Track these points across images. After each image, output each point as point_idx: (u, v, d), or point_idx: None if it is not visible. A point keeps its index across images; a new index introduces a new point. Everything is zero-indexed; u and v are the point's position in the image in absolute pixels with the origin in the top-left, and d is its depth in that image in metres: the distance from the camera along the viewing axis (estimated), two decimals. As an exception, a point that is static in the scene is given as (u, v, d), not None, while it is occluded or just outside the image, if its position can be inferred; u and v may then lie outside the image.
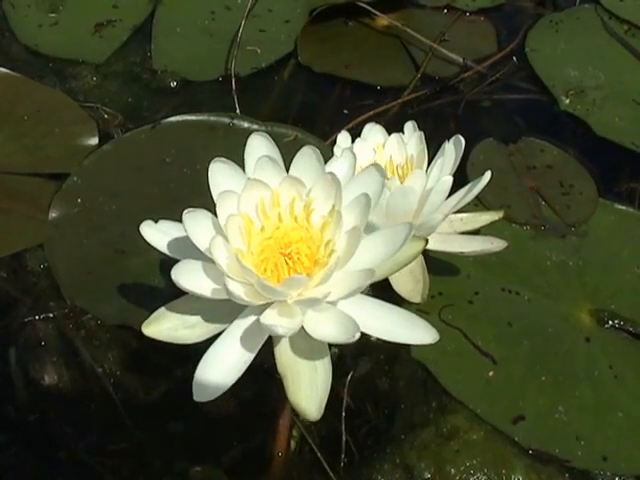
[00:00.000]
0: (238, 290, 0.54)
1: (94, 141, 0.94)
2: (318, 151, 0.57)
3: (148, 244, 0.59)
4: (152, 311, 0.59)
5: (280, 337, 0.55)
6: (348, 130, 0.78)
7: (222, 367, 0.53)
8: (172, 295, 0.58)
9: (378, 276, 0.56)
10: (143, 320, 0.59)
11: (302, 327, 0.53)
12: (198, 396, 0.53)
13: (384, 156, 0.76)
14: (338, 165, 0.60)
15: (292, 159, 0.59)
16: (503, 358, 0.74)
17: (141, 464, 0.67)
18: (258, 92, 1.05)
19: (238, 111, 0.98)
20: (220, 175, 0.58)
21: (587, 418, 0.70)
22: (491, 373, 0.73)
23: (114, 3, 1.16)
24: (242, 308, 0.56)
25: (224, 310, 0.56)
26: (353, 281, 0.54)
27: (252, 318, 0.56)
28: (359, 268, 0.54)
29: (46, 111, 0.97)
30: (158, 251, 0.59)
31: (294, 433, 0.68)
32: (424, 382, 0.73)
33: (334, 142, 0.77)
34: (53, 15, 1.14)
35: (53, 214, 0.84)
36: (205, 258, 0.55)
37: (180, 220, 0.55)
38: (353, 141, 0.77)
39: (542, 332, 0.77)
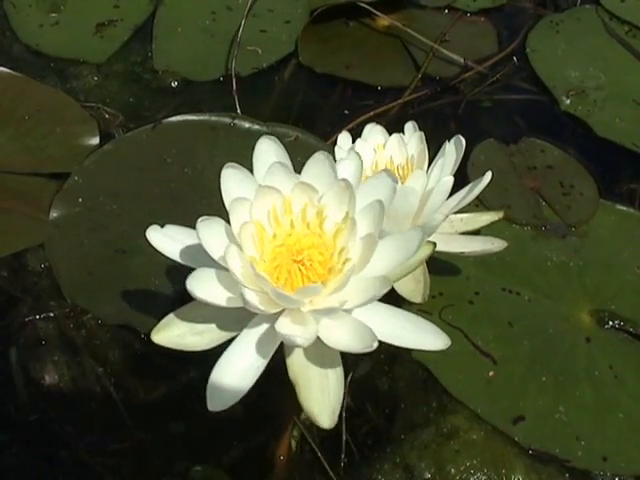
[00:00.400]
0: (253, 299, 0.53)
1: (95, 141, 0.94)
2: (330, 157, 0.57)
3: (150, 245, 0.59)
4: (153, 311, 0.59)
5: (298, 347, 0.54)
6: (349, 130, 0.78)
7: (236, 376, 0.53)
8: (172, 295, 0.58)
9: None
10: (144, 320, 0.59)
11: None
12: (212, 405, 0.52)
13: (384, 156, 0.76)
14: (344, 168, 0.59)
15: (292, 159, 0.59)
16: (503, 358, 0.74)
17: (141, 464, 0.67)
18: (259, 92, 1.05)
19: (239, 111, 0.99)
20: (232, 181, 0.57)
21: (587, 418, 0.71)
22: (491, 373, 0.73)
23: (115, 3, 1.16)
24: (251, 315, 0.55)
25: (233, 317, 0.56)
26: (368, 289, 0.53)
27: (264, 325, 0.55)
28: (372, 275, 0.54)
29: (47, 111, 0.97)
30: (163, 255, 0.58)
31: (294, 433, 0.68)
32: (424, 382, 0.73)
33: (335, 142, 0.77)
34: (54, 15, 1.14)
35: (54, 214, 0.84)
36: (217, 266, 0.55)
37: (183, 223, 0.55)
38: (354, 141, 0.77)
39: (542, 332, 0.77)
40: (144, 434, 0.68)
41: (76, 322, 0.76)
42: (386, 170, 0.58)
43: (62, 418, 0.69)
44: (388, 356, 0.74)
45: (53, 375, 0.72)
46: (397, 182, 0.57)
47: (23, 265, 0.81)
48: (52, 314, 0.76)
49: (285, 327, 0.53)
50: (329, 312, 0.53)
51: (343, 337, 0.53)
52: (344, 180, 0.55)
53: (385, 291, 0.52)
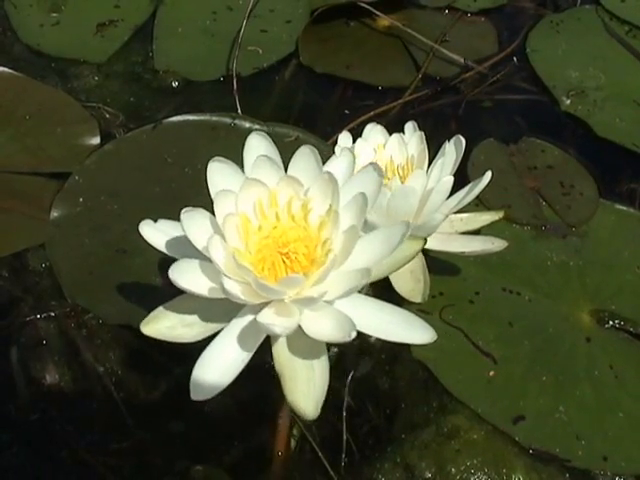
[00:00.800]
0: (235, 289, 0.54)
1: (96, 141, 0.94)
2: (316, 151, 0.57)
3: (148, 243, 0.59)
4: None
5: (278, 336, 0.55)
6: (349, 130, 0.78)
7: (219, 366, 0.53)
8: (173, 294, 0.58)
9: (376, 276, 0.56)
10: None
11: (299, 326, 0.53)
12: (195, 394, 0.53)
13: (385, 156, 0.76)
14: (336, 164, 0.60)
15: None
16: (504, 358, 0.74)
17: (142, 463, 0.67)
18: (259, 92, 1.05)
19: (239, 111, 0.99)
20: (218, 174, 0.58)
21: (587, 418, 0.71)
22: (492, 373, 0.73)
23: (116, 3, 1.16)
24: (240, 307, 0.56)
25: (222, 309, 0.56)
26: (349, 280, 0.54)
27: (249, 317, 0.56)
28: (356, 267, 0.54)
29: (48, 111, 0.98)
30: (158, 250, 0.59)
31: (295, 432, 0.68)
32: (425, 382, 0.73)
33: (335, 142, 0.78)
34: (55, 15, 1.14)
35: (55, 214, 0.84)
36: (203, 257, 0.55)
37: (180, 219, 0.55)
38: (354, 141, 0.77)
39: (543, 332, 0.77)
40: (144, 433, 0.68)
41: (77, 322, 0.76)
42: (373, 164, 0.58)
43: (63, 418, 0.69)
44: (389, 356, 0.74)
45: (54, 375, 0.72)
46: (383, 176, 0.58)
47: (24, 265, 0.81)
48: (53, 314, 0.76)
49: (266, 317, 0.54)
50: (309, 302, 0.53)
51: (325, 328, 0.53)
52: (328, 173, 0.56)
53: (365, 282, 0.53)
